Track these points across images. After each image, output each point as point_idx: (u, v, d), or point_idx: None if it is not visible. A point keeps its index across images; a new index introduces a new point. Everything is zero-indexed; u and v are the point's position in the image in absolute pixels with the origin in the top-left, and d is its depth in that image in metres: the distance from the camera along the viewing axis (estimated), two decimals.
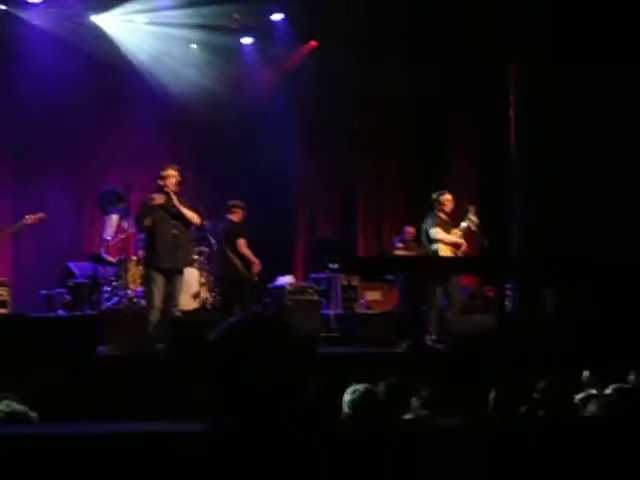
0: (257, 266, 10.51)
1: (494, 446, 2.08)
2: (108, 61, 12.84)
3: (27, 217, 10.20)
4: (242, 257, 10.45)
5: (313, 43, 14.01)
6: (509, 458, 2.06)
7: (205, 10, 12.47)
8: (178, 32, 12.98)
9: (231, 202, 10.71)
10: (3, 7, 12.07)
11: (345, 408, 4.63)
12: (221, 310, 10.54)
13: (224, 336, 2.19)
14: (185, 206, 9.07)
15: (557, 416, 3.96)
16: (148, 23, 12.94)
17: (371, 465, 2.02)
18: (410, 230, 12.27)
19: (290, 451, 2.00)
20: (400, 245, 12.35)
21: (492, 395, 4.23)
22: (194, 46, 13.48)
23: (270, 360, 2.14)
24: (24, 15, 12.22)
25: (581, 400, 4.87)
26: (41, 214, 10.26)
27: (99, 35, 12.79)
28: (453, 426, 2.38)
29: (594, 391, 5.10)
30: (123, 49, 13.01)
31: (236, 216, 10.63)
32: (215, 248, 10.96)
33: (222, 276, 10.75)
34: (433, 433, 2.16)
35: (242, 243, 10.45)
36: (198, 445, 2.01)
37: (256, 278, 10.62)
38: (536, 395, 4.28)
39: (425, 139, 14.01)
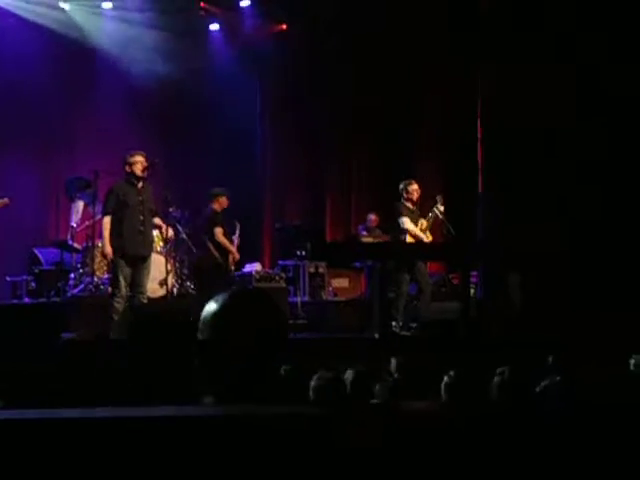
0: (234, 255, 10.62)
1: (458, 432, 2.10)
2: (76, 46, 12.77)
3: None
4: (219, 246, 10.51)
5: (283, 26, 13.99)
6: (472, 444, 2.08)
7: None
8: (145, 18, 12.92)
9: (214, 190, 10.73)
10: None
11: (312, 395, 4.64)
12: (196, 297, 10.57)
13: (211, 313, 2.22)
14: (148, 195, 9.05)
15: (515, 403, 3.99)
16: (114, 9, 12.89)
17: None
18: (373, 217, 12.28)
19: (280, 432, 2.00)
20: (365, 233, 12.36)
21: (445, 380, 4.25)
22: (161, 32, 13.40)
23: (256, 334, 2.18)
24: None
25: (545, 387, 4.90)
26: (5, 199, 10.14)
27: (66, 20, 12.69)
28: (418, 410, 2.39)
29: (558, 378, 5.14)
30: (90, 34, 12.92)
31: (218, 204, 10.64)
32: (182, 236, 11.01)
33: (200, 264, 10.82)
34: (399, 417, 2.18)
35: (219, 232, 10.56)
36: (171, 429, 2.01)
37: (232, 267, 10.76)
38: (497, 380, 4.31)
39: (392, 127, 14.01)
